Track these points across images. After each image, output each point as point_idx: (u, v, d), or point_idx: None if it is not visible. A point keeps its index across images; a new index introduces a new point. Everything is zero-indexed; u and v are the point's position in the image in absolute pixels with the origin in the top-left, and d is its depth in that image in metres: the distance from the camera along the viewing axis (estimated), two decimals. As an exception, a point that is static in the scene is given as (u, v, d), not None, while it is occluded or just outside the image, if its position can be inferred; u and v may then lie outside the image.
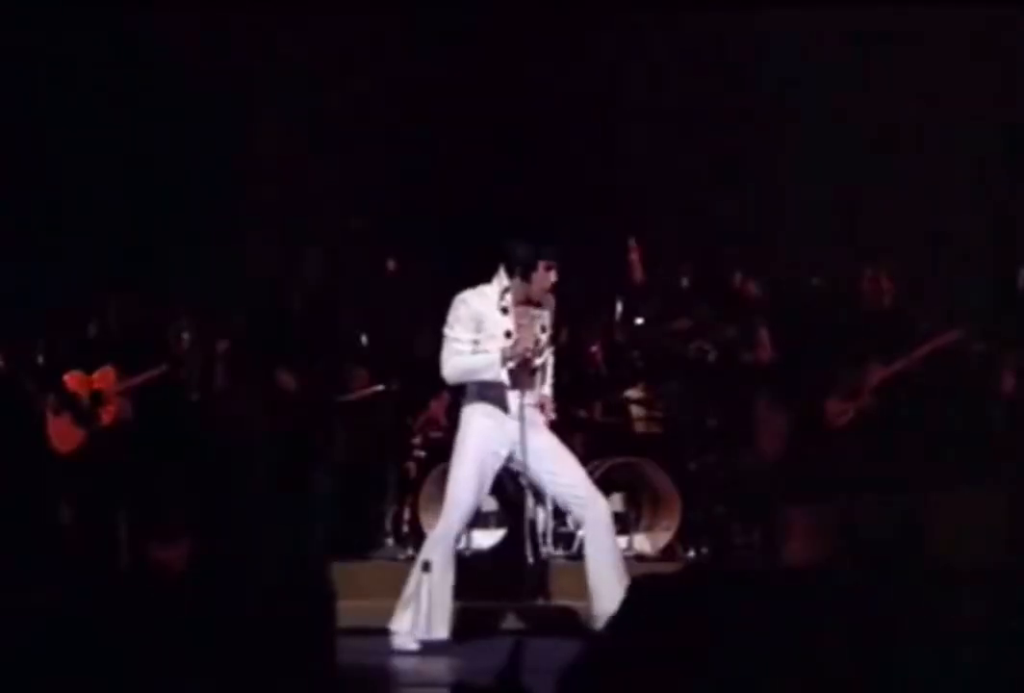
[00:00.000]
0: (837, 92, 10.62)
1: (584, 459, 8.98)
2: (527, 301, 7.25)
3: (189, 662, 3.03)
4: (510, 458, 7.29)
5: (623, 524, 8.93)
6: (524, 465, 7.27)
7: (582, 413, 9.42)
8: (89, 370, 8.83)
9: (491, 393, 7.22)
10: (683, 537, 8.96)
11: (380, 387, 9.19)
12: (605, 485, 8.90)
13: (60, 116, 10.42)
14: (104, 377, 8.83)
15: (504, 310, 7.23)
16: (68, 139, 10.38)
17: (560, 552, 8.67)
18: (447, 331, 7.26)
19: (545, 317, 7.30)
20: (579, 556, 8.20)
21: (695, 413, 9.36)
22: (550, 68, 10.80)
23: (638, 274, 9.71)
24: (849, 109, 10.58)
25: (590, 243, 9.86)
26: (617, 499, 8.97)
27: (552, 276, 7.20)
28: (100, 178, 10.41)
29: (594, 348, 9.48)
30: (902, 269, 9.21)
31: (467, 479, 7.24)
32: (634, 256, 9.71)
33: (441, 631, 7.20)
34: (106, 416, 8.77)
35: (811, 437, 8.98)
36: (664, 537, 8.87)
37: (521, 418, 7.19)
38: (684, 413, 9.42)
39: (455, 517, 7.25)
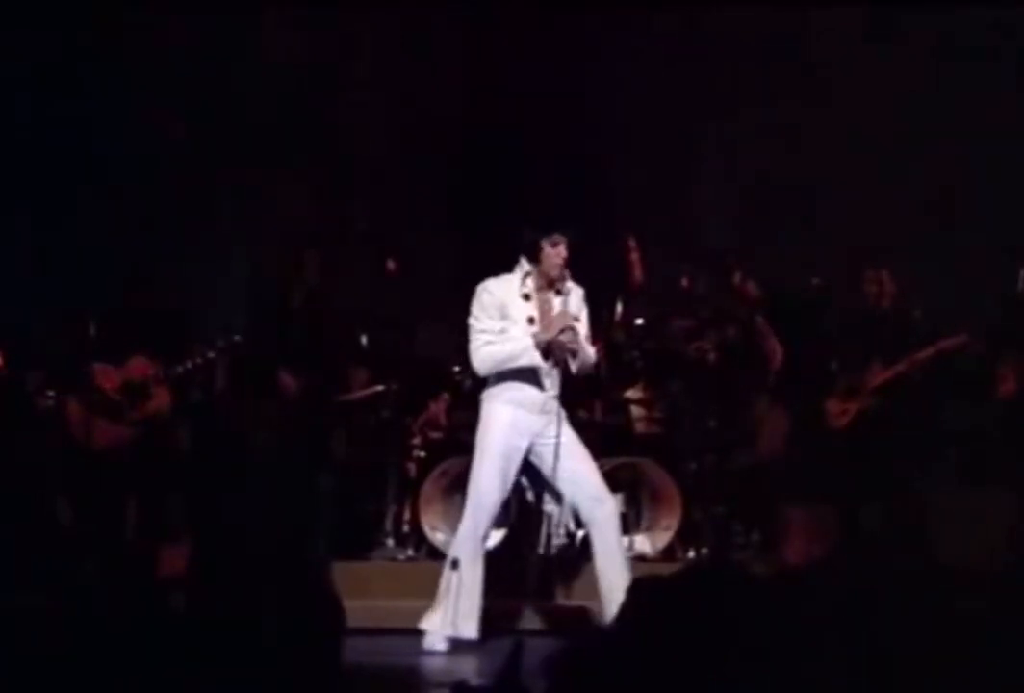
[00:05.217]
0: (838, 92, 10.62)
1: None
2: (548, 286, 7.23)
3: (189, 663, 3.03)
4: (530, 450, 7.26)
5: (623, 524, 8.92)
6: (542, 458, 7.25)
7: (582, 413, 9.41)
8: (115, 363, 8.64)
9: (517, 383, 7.19)
10: (683, 537, 8.96)
11: (380, 387, 9.18)
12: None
13: (62, 112, 10.41)
14: (136, 367, 8.60)
15: (526, 296, 7.20)
16: (70, 137, 10.37)
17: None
18: (472, 322, 7.20)
19: (570, 304, 7.23)
20: (579, 556, 8.22)
21: (695, 413, 9.35)
22: (541, 66, 10.78)
23: (638, 274, 9.71)
24: (850, 109, 10.58)
25: (590, 243, 9.86)
26: (617, 499, 8.95)
27: (561, 251, 7.17)
28: (99, 176, 10.40)
29: (594, 348, 9.47)
30: (902, 269, 9.22)
31: (491, 474, 7.18)
32: (634, 256, 9.71)
33: (469, 631, 7.16)
34: (144, 408, 8.60)
35: (811, 437, 8.98)
36: (664, 537, 8.87)
37: (552, 411, 7.18)
38: (684, 413, 9.41)
39: (481, 514, 7.19)
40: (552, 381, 7.22)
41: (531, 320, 7.16)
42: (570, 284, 7.24)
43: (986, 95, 10.42)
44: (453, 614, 7.10)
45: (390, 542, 8.97)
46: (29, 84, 10.47)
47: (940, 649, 3.24)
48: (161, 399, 8.57)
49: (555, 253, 7.15)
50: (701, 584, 3.07)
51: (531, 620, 7.92)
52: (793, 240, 10.40)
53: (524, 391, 7.16)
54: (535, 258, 7.15)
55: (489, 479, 7.17)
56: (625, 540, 8.76)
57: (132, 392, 8.52)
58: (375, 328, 9.53)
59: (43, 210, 10.36)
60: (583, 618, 7.64)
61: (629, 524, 8.90)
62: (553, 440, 7.20)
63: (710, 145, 10.86)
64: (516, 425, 7.17)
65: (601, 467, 8.80)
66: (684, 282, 9.74)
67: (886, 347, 8.95)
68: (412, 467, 9.15)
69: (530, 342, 7.08)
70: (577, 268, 7.27)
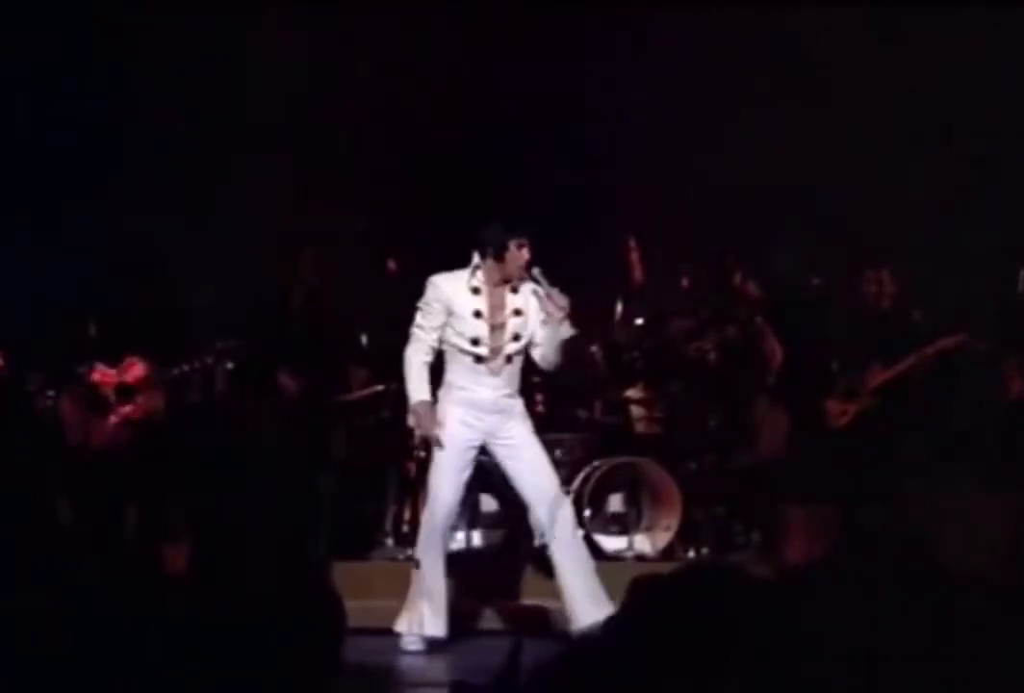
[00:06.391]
0: (838, 92, 10.62)
1: (584, 459, 9.00)
2: (503, 282, 7.26)
3: (189, 663, 3.03)
4: (483, 450, 7.32)
5: (623, 524, 8.94)
6: (498, 457, 7.30)
7: (582, 413, 9.42)
8: (111, 363, 8.61)
9: (467, 383, 7.23)
10: (683, 537, 8.96)
11: (380, 387, 9.18)
12: (605, 485, 8.92)
13: (62, 112, 10.41)
14: (131, 369, 8.56)
15: (475, 290, 7.23)
16: (70, 137, 10.37)
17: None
18: (416, 315, 7.30)
19: (527, 301, 7.25)
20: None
21: (695, 413, 9.36)
22: (541, 66, 10.78)
23: (638, 274, 9.71)
24: (850, 109, 10.58)
25: (590, 243, 9.87)
26: (617, 499, 8.97)
27: (525, 253, 7.21)
28: (99, 176, 10.40)
29: (594, 348, 9.48)
30: (902, 269, 9.22)
31: (444, 473, 7.25)
32: (634, 256, 9.71)
33: (437, 629, 7.19)
34: (136, 409, 8.55)
35: (811, 437, 8.98)
36: (664, 537, 8.87)
37: (507, 409, 7.22)
38: (684, 413, 9.42)
39: (437, 512, 7.25)
40: (503, 381, 7.25)
41: (477, 313, 7.19)
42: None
43: (986, 95, 10.42)
44: (419, 614, 7.16)
45: (390, 542, 8.97)
46: (29, 84, 10.46)
47: (940, 649, 3.24)
48: (154, 400, 8.59)
49: (520, 255, 7.21)
50: (701, 584, 3.07)
51: (528, 620, 7.92)
52: (793, 240, 10.39)
53: (473, 391, 7.23)
54: (500, 257, 7.20)
55: (441, 479, 7.26)
56: (625, 540, 8.80)
57: (126, 392, 8.54)
58: (375, 328, 9.53)
59: (43, 210, 10.36)
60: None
61: (629, 524, 8.92)
62: (508, 440, 7.25)
63: (710, 145, 10.85)
64: (468, 424, 7.22)
65: (601, 467, 8.84)
66: (684, 282, 9.74)
67: (886, 347, 8.95)
68: (412, 467, 9.15)
69: (415, 404, 7.27)
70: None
